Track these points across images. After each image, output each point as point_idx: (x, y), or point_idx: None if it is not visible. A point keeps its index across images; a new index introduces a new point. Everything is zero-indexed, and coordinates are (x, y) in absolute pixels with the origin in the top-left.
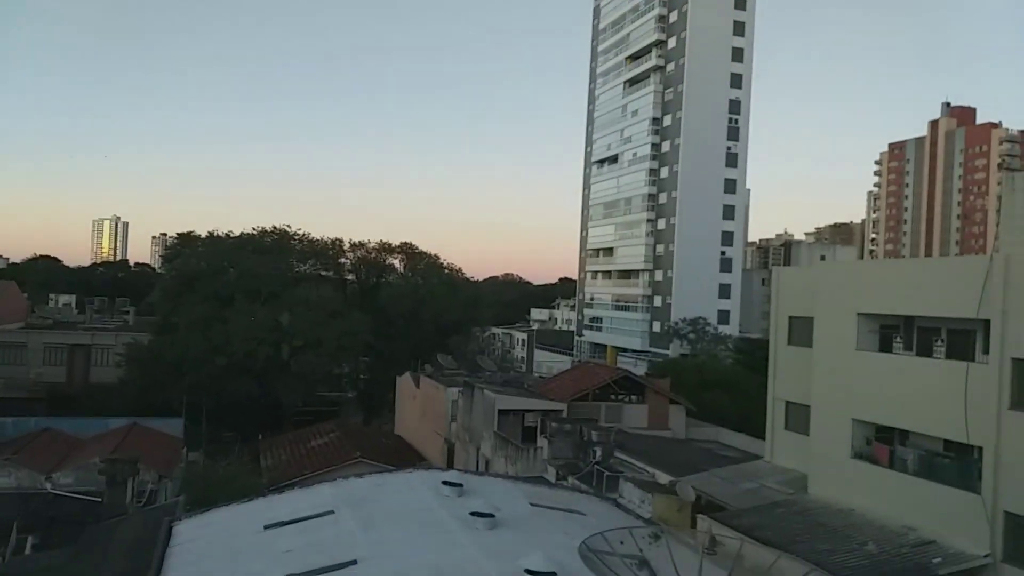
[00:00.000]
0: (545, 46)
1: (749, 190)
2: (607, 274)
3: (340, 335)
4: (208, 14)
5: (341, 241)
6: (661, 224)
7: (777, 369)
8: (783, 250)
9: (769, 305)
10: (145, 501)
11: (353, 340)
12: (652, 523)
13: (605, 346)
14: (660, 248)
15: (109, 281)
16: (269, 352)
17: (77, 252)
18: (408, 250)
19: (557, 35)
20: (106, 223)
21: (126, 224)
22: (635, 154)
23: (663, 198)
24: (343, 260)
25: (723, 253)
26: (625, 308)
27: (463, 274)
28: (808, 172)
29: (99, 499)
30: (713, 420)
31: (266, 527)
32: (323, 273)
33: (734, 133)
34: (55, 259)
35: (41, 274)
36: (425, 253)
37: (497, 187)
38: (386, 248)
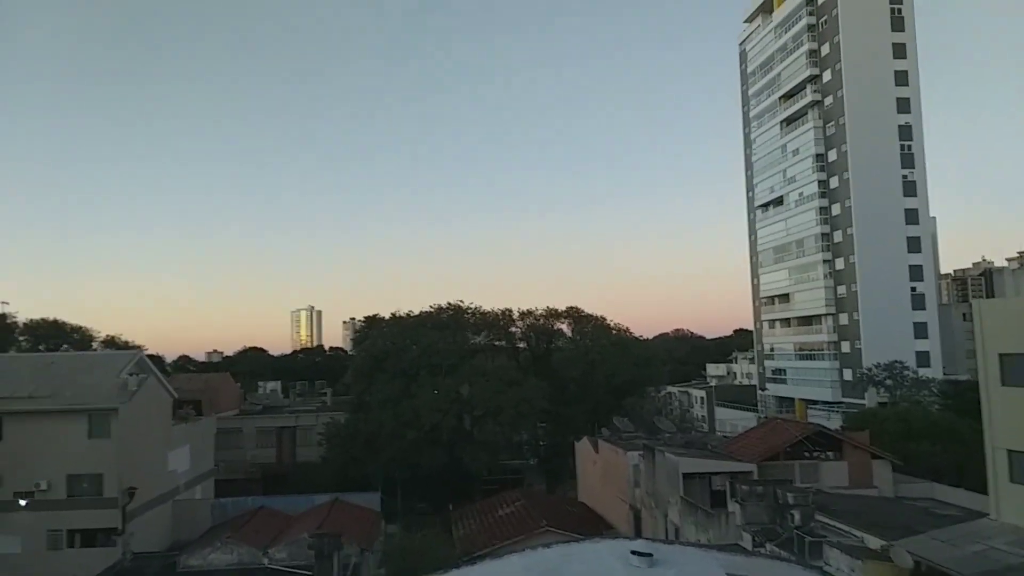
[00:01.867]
0: (693, 91)
1: (935, 218)
2: (786, 322)
3: (517, 402)
4: (376, 113)
5: (510, 311)
6: (839, 264)
7: (993, 414)
8: (983, 280)
9: (974, 342)
10: (350, 574)
11: (530, 407)
12: None
13: (792, 399)
14: (841, 289)
15: (308, 366)
16: (453, 423)
17: (279, 341)
18: (575, 314)
19: (704, 80)
20: (302, 313)
21: (319, 313)
22: (801, 194)
23: (838, 236)
24: (514, 329)
25: (913, 289)
26: (810, 357)
27: (632, 333)
28: (1003, 191)
29: (309, 572)
30: (924, 474)
31: None
32: (496, 343)
33: (908, 160)
34: (261, 349)
35: (250, 364)
36: (591, 315)
37: (658, 242)
38: (553, 314)
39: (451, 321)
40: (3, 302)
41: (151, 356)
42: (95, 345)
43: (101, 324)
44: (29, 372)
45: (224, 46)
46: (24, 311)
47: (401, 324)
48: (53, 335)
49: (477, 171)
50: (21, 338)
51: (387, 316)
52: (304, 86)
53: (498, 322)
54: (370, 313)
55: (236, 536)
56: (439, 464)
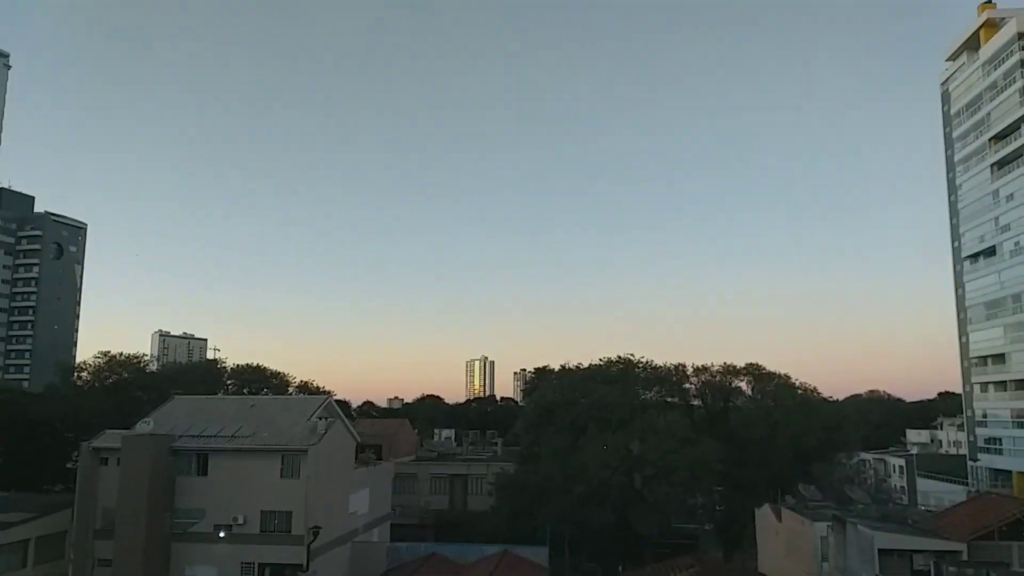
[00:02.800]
0: (891, 135)
1: None
2: (1001, 384)
3: (691, 463)
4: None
5: (684, 366)
6: None
7: None
8: None
9: None
10: None
11: (705, 468)
12: None
13: (1009, 472)
14: None
15: (480, 415)
16: (622, 480)
17: (455, 390)
18: (755, 371)
19: (904, 126)
20: (476, 363)
21: (492, 363)
22: (1017, 243)
23: None
24: (687, 385)
25: None
26: None
27: (819, 393)
28: None
29: None
30: None
31: None
32: (668, 399)
33: None
34: (438, 397)
35: (427, 411)
36: (774, 373)
37: (850, 295)
38: (731, 370)
39: (621, 375)
40: (215, 348)
41: (338, 401)
42: (290, 390)
43: (296, 370)
44: (233, 413)
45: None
46: (232, 357)
47: (570, 376)
48: (256, 379)
49: (653, 222)
50: (229, 382)
51: (557, 367)
52: (487, 144)
53: (670, 377)
54: (540, 364)
55: None
56: (607, 522)
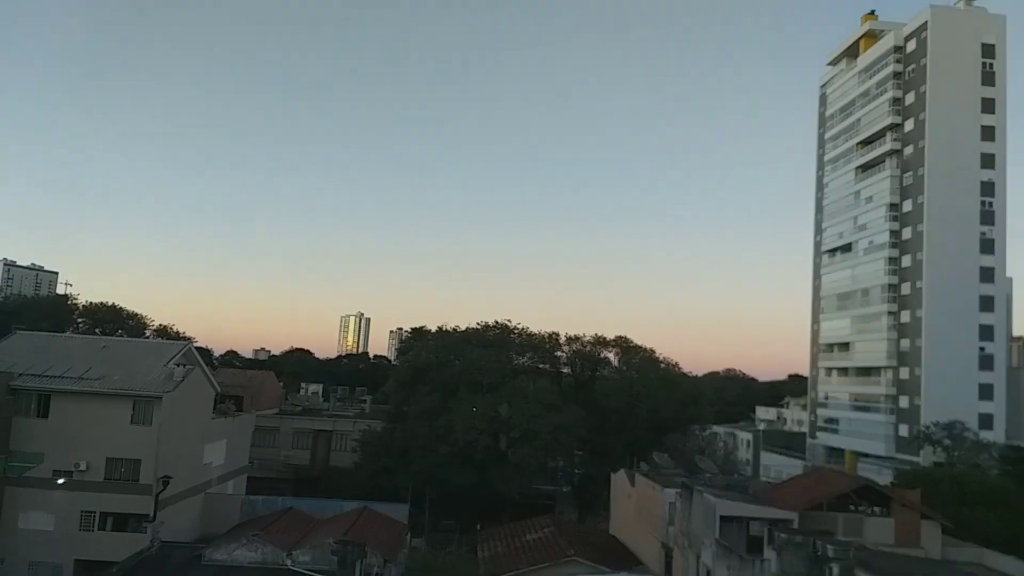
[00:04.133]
0: (767, 134)
1: (1011, 279)
2: (843, 371)
3: (555, 428)
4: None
5: (557, 335)
6: (905, 317)
7: None
8: None
9: None
10: None
11: (568, 433)
12: None
13: (843, 450)
14: (905, 343)
15: (351, 372)
16: (488, 442)
17: (327, 345)
18: (623, 344)
19: (781, 122)
20: (351, 319)
21: (368, 320)
22: (871, 242)
23: (906, 288)
24: (559, 353)
25: (982, 349)
26: (865, 409)
27: (680, 369)
28: None
29: None
30: (975, 540)
31: None
32: (540, 366)
33: (988, 217)
34: (307, 351)
35: (295, 365)
36: (640, 347)
37: (716, 278)
38: (601, 341)
39: (496, 340)
40: (67, 283)
41: (199, 349)
42: (148, 333)
43: (156, 313)
44: (82, 353)
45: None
46: (85, 294)
47: (446, 338)
48: (110, 319)
49: (538, 191)
50: (80, 320)
51: (434, 329)
52: (368, 89)
53: (544, 345)
54: (417, 324)
55: (263, 535)
56: (470, 482)
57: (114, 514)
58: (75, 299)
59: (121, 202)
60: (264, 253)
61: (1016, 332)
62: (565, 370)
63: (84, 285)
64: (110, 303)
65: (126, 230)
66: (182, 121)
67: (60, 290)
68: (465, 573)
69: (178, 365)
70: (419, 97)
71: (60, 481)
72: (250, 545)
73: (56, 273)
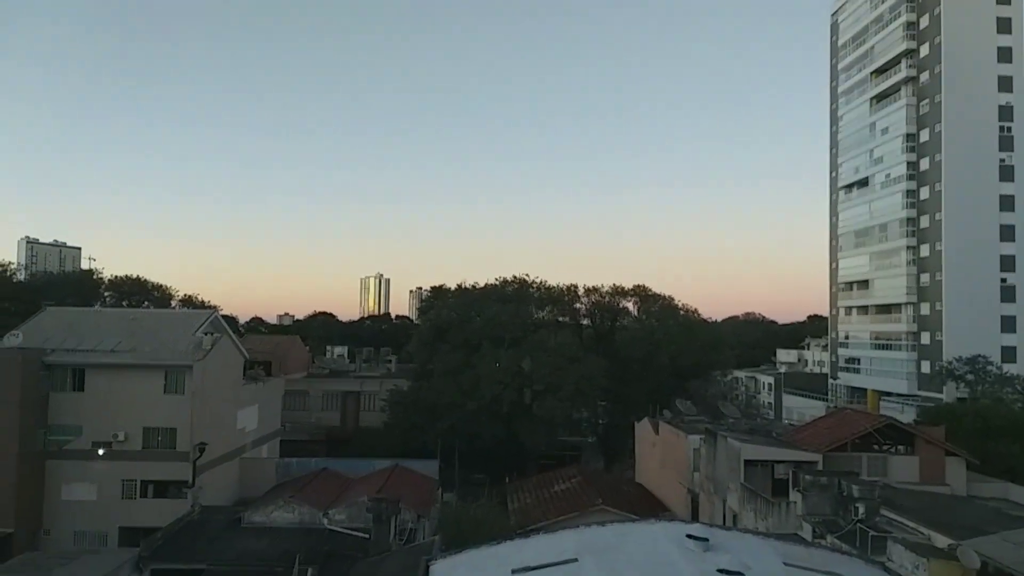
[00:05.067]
0: (780, 69)
1: None
2: (863, 309)
3: (578, 379)
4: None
5: (576, 287)
6: (924, 251)
7: None
8: None
9: None
10: (406, 538)
11: (591, 384)
12: None
13: (865, 390)
14: (925, 278)
15: (374, 333)
16: (513, 396)
17: (348, 308)
18: (642, 293)
19: (793, 56)
20: (371, 280)
21: (387, 281)
22: (888, 175)
23: (925, 221)
24: (578, 305)
25: (1004, 280)
26: (887, 347)
27: (700, 315)
28: None
29: (367, 535)
30: (1000, 474)
31: (514, 571)
32: (560, 319)
33: (1007, 143)
34: (331, 315)
35: (319, 329)
36: (659, 295)
37: (732, 222)
38: (619, 292)
39: (516, 295)
40: (91, 258)
41: (225, 317)
42: (174, 303)
43: (180, 283)
44: (112, 327)
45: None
46: (109, 268)
47: (466, 295)
48: (136, 292)
49: (552, 145)
50: (106, 294)
51: (453, 287)
52: (381, 52)
53: (563, 298)
54: (437, 283)
55: (299, 496)
56: (497, 436)
57: (154, 482)
58: (100, 273)
59: (140, 174)
60: (282, 219)
61: None
62: (585, 322)
63: (108, 259)
64: (135, 276)
65: (147, 202)
66: (198, 87)
67: (84, 265)
68: (496, 525)
69: (206, 334)
70: (431, 56)
71: (100, 452)
72: (287, 506)
73: (79, 248)
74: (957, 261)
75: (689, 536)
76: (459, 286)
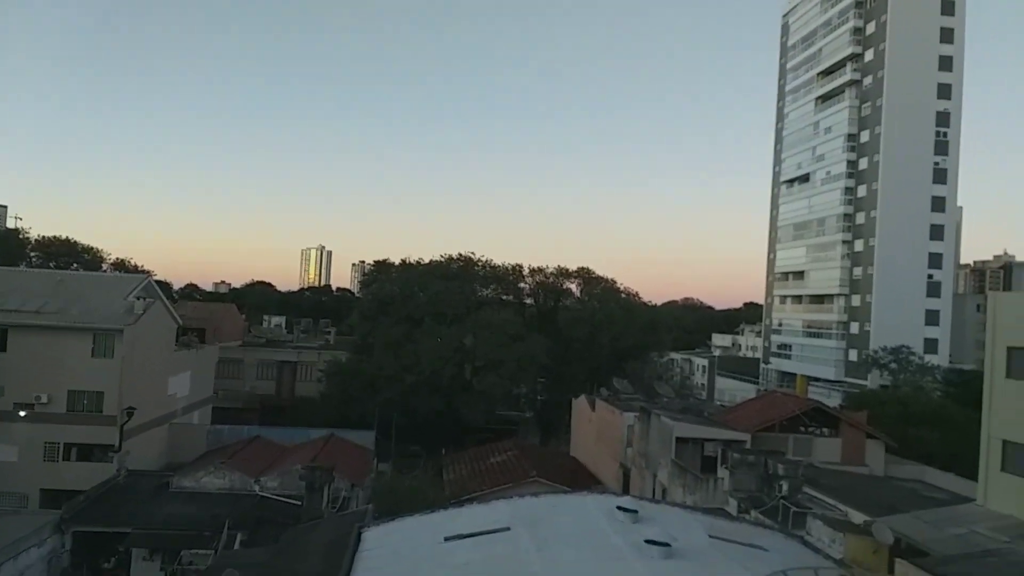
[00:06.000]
0: (729, 66)
1: (961, 208)
2: (797, 299)
3: (519, 357)
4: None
5: (521, 267)
6: (858, 246)
7: (994, 404)
8: (1002, 273)
9: (985, 334)
10: (339, 507)
11: (531, 362)
12: (843, 565)
13: (794, 375)
14: (857, 271)
15: (314, 304)
16: (454, 371)
17: (288, 278)
18: (585, 275)
19: (743, 54)
20: (312, 252)
21: (330, 253)
22: (828, 172)
23: (860, 218)
24: (522, 285)
25: (930, 276)
26: (818, 335)
27: (640, 298)
28: None
29: (299, 503)
30: (917, 458)
31: (446, 539)
32: (504, 297)
33: (942, 147)
34: (269, 284)
35: (257, 298)
36: (602, 278)
37: (675, 209)
38: (563, 273)
39: (460, 272)
40: (17, 217)
41: (159, 282)
42: (105, 267)
43: (112, 247)
44: (38, 288)
45: None
46: (37, 227)
47: (410, 271)
48: (64, 253)
49: (501, 124)
50: (32, 254)
51: (397, 262)
52: (325, 17)
53: (507, 276)
54: (380, 257)
55: (230, 462)
56: (436, 410)
57: (78, 444)
58: (26, 233)
59: (72, 130)
60: (223, 186)
61: (963, 260)
62: (528, 301)
63: (35, 219)
64: (64, 236)
65: (80, 162)
66: (139, 43)
67: (10, 224)
68: (431, 495)
69: (138, 298)
70: (376, 18)
71: (22, 414)
72: (217, 472)
73: (4, 207)
74: (888, 256)
75: (619, 508)
76: (403, 261)
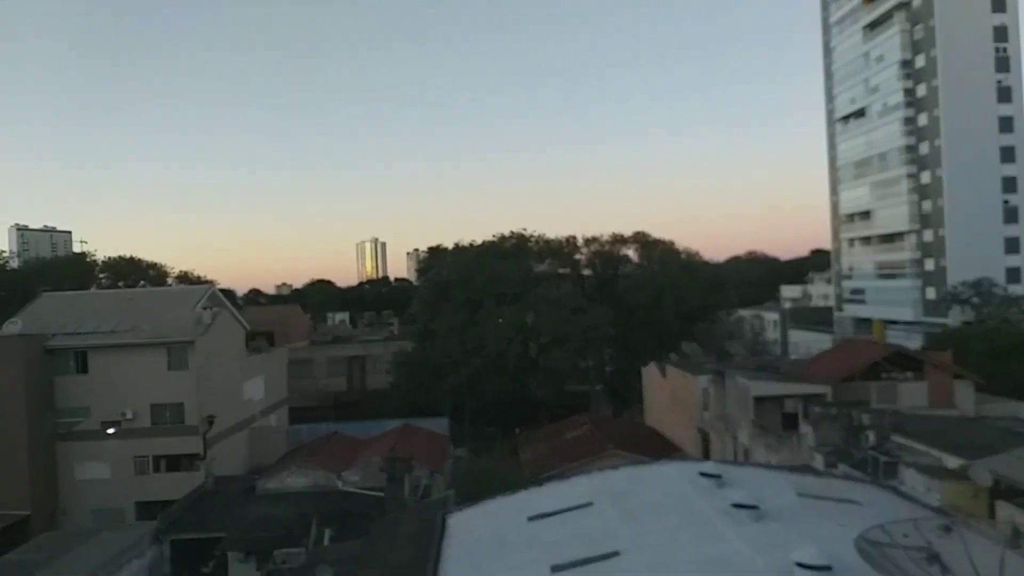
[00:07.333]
0: (771, 5)
1: None
2: (866, 240)
3: (583, 330)
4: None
5: (575, 238)
6: (925, 178)
7: None
8: None
9: None
10: (420, 495)
11: (596, 333)
12: (942, 512)
13: (871, 320)
14: (927, 205)
15: (375, 297)
16: (519, 351)
17: (346, 273)
18: (642, 239)
19: None
20: (367, 245)
21: (384, 244)
22: (885, 104)
23: (924, 148)
24: (578, 256)
25: (1006, 202)
26: (891, 276)
27: (701, 257)
28: None
29: (381, 494)
30: (1009, 393)
31: (530, 519)
32: (561, 271)
33: (1003, 64)
34: (329, 282)
35: (318, 296)
36: (660, 240)
37: (729, 161)
38: (619, 240)
39: (515, 249)
40: (82, 241)
41: (223, 290)
42: (169, 281)
43: (175, 260)
44: (111, 308)
45: None
46: (102, 250)
47: (465, 254)
48: (131, 272)
49: (540, 95)
50: (101, 276)
51: (450, 246)
52: (369, 12)
53: (562, 249)
54: (433, 244)
55: (311, 460)
56: (505, 391)
57: (166, 456)
58: (93, 256)
59: (124, 154)
60: (273, 189)
61: None
62: (586, 272)
63: (99, 241)
64: (128, 256)
65: (134, 182)
66: (183, 59)
67: (76, 248)
68: (510, 476)
69: (205, 308)
70: (418, 14)
71: (110, 431)
72: (300, 471)
73: (69, 232)
74: (958, 186)
75: (702, 474)
76: (456, 245)
